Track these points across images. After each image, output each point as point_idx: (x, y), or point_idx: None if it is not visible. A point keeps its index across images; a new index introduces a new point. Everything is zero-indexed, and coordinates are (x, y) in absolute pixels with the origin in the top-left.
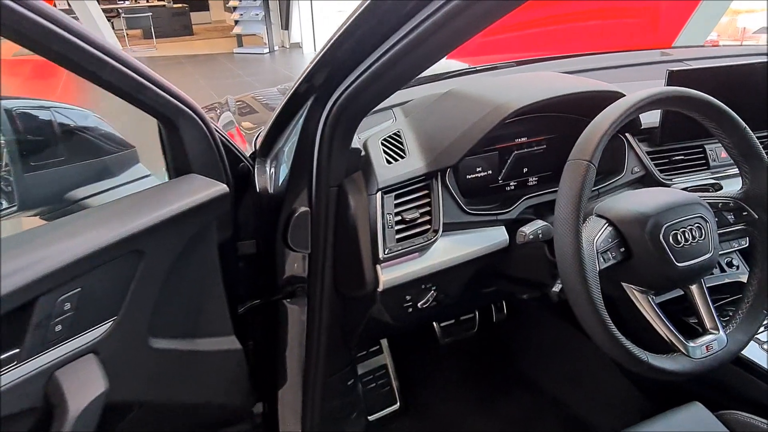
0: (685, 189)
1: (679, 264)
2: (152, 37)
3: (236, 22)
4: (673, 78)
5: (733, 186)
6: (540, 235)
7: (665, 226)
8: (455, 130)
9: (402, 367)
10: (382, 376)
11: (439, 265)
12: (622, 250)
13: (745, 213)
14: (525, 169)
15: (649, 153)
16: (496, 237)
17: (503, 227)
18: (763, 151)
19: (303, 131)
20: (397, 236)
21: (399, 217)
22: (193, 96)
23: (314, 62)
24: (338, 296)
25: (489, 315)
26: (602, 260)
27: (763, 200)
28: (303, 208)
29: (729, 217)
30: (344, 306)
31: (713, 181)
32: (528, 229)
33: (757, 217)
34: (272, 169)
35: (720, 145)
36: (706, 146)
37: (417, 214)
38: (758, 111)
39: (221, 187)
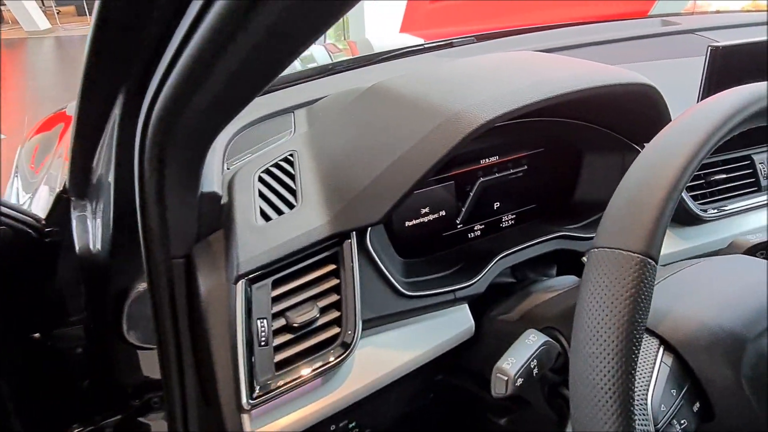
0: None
1: None
2: (86, 15)
3: None
4: (717, 57)
5: None
6: (535, 371)
7: None
8: (383, 156)
9: None
10: None
11: (359, 393)
12: (697, 408)
13: None
14: (497, 204)
15: None
16: (453, 326)
17: (466, 306)
18: None
19: (118, 156)
20: (278, 358)
21: (281, 321)
22: None
23: (94, 25)
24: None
25: None
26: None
27: None
28: (142, 286)
29: None
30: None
31: None
32: (510, 365)
33: None
34: (95, 216)
35: None
36: (754, 157)
37: (315, 312)
38: None
39: None
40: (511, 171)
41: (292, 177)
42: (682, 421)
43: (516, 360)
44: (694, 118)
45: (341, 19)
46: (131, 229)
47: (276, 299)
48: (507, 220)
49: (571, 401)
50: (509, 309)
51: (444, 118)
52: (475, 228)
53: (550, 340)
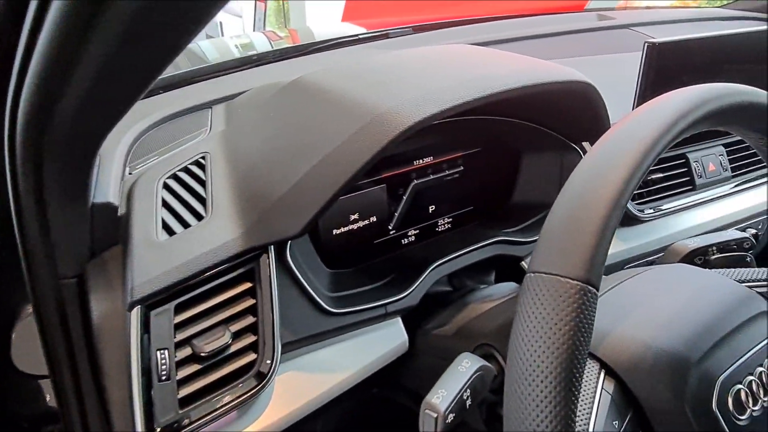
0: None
1: None
2: None
3: None
4: (654, 54)
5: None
6: (468, 402)
7: (721, 380)
8: (303, 159)
9: None
10: None
11: (281, 423)
12: None
13: None
14: (432, 208)
15: None
16: (385, 342)
17: (399, 320)
18: None
19: None
20: (183, 393)
21: (187, 350)
22: None
23: None
24: None
25: None
26: None
27: None
28: (29, 308)
29: None
30: None
31: (741, 235)
32: (440, 399)
33: None
34: None
35: (707, 153)
36: (689, 156)
37: (227, 338)
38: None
39: None
40: (447, 172)
41: (202, 183)
42: None
43: (447, 392)
44: (637, 124)
45: (282, 6)
46: (12, 246)
47: (180, 325)
48: (443, 224)
49: None
50: (445, 322)
51: (371, 117)
52: (409, 233)
53: (486, 364)
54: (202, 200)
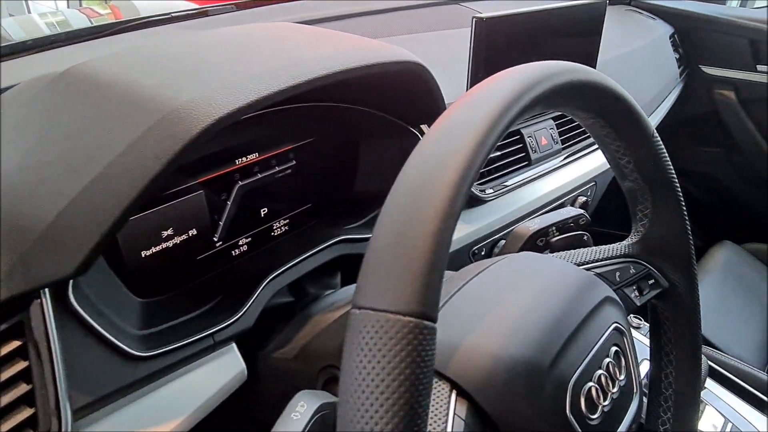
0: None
1: None
2: None
3: None
4: (482, 29)
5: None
6: None
7: (573, 382)
8: (74, 175)
9: None
10: None
11: None
12: None
13: (651, 281)
14: (264, 211)
15: None
16: (218, 376)
17: (233, 346)
18: (675, 176)
19: None
20: None
21: None
22: None
23: None
24: None
25: None
26: None
27: (673, 252)
28: None
29: (633, 294)
30: None
31: (577, 212)
32: None
33: (666, 284)
34: None
35: (539, 128)
36: (523, 132)
37: None
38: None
39: None
40: (277, 169)
41: None
42: None
43: None
44: (462, 118)
45: None
46: None
47: None
48: (279, 228)
49: None
50: (285, 342)
51: (160, 116)
52: (240, 243)
53: (326, 402)
54: None
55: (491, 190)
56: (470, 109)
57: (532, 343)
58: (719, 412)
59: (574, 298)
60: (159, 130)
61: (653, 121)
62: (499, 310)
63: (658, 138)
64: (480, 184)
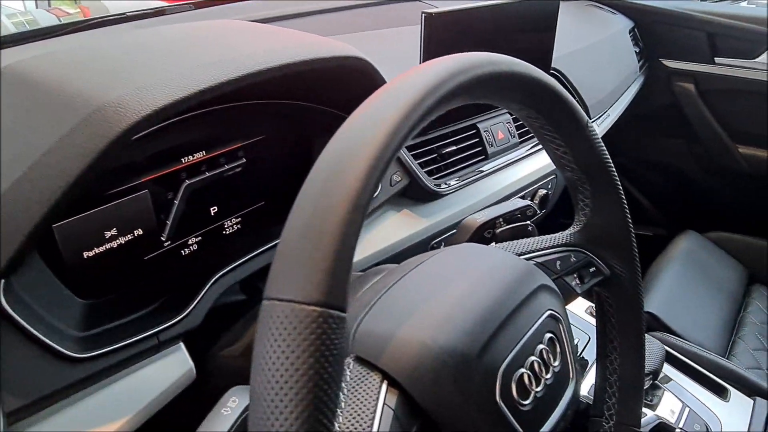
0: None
1: None
2: None
3: None
4: (432, 25)
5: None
6: None
7: (503, 369)
8: (1, 173)
9: None
10: None
11: None
12: None
13: (593, 269)
14: (214, 209)
15: (410, 148)
16: (164, 376)
17: (181, 345)
18: (613, 166)
19: None
20: None
21: None
22: None
23: None
24: None
25: None
26: None
27: (613, 241)
28: None
29: (574, 283)
30: None
31: (524, 204)
32: None
33: (608, 272)
34: None
35: (495, 122)
36: (479, 126)
37: None
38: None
39: None
40: (226, 167)
41: None
42: None
43: None
44: (375, 111)
45: None
46: None
47: None
48: (231, 226)
49: None
50: (234, 339)
51: (87, 113)
52: (190, 243)
53: None
54: None
55: (448, 185)
56: (385, 101)
57: (462, 332)
58: (677, 397)
59: (508, 286)
60: (85, 128)
61: (613, 113)
62: (433, 301)
63: (593, 128)
64: (437, 178)
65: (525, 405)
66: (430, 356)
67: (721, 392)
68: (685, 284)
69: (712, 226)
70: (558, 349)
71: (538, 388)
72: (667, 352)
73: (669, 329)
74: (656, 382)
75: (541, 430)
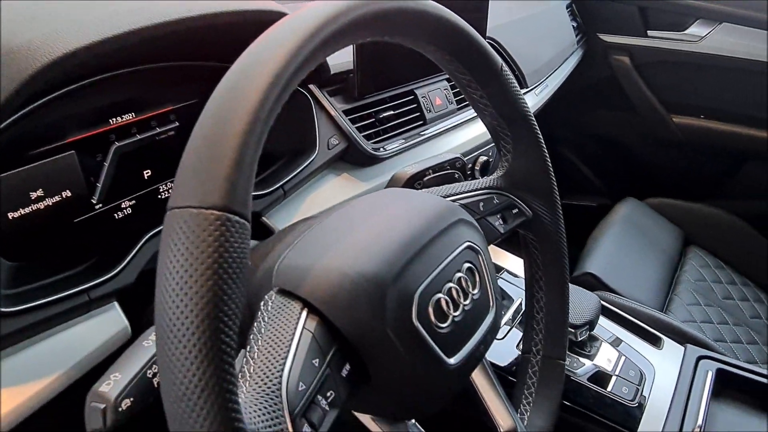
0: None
1: (452, 360)
2: None
3: None
4: None
5: (453, 140)
6: (156, 380)
7: (419, 293)
8: None
9: None
10: None
11: None
12: (347, 372)
13: (515, 210)
14: (148, 173)
15: (347, 112)
16: (96, 334)
17: (115, 304)
18: (530, 111)
19: None
20: None
21: None
22: None
23: None
24: None
25: None
26: (309, 414)
27: (534, 184)
28: None
29: (497, 223)
30: None
31: (452, 156)
32: (111, 386)
33: (530, 214)
34: None
35: (432, 88)
36: (417, 92)
37: None
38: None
39: None
40: (158, 130)
41: None
42: (329, 393)
43: (121, 376)
44: (284, 28)
45: None
46: None
47: None
48: (166, 190)
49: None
50: None
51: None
52: (123, 206)
53: None
54: None
55: (386, 149)
56: (291, 24)
57: (379, 259)
58: (614, 347)
59: (427, 219)
60: None
61: (552, 83)
62: (354, 234)
63: (508, 73)
64: (375, 142)
65: (443, 327)
66: (348, 282)
67: (655, 342)
68: (624, 247)
69: (651, 192)
70: (477, 279)
71: (456, 313)
72: (604, 306)
73: (609, 288)
74: (594, 333)
75: (460, 351)
